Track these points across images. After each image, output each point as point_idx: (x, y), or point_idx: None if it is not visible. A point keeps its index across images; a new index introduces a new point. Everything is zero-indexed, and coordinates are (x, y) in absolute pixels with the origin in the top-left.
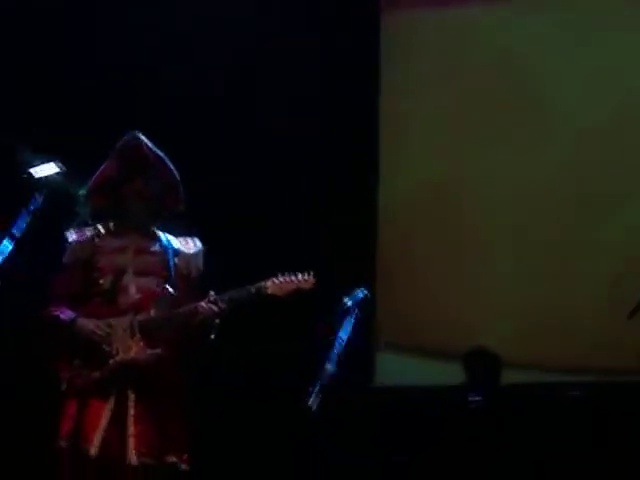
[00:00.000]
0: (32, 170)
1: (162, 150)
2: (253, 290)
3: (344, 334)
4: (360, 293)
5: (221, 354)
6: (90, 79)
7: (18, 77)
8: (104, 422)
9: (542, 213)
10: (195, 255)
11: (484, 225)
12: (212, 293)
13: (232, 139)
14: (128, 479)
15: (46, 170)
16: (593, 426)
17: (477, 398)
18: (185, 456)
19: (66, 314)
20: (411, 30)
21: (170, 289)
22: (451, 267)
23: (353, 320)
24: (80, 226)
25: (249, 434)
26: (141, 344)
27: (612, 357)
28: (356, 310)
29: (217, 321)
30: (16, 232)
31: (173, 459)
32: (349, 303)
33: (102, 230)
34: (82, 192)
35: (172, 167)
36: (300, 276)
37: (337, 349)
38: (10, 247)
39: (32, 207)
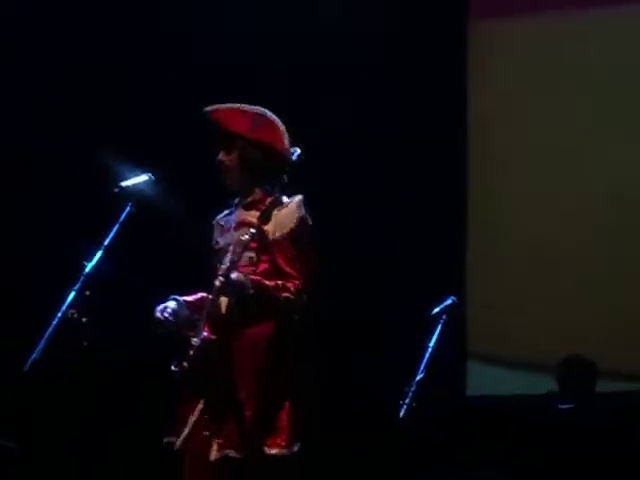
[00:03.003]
0: (123, 183)
1: None
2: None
3: (432, 342)
4: (448, 299)
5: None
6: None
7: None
8: (193, 418)
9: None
10: (285, 214)
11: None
12: (222, 266)
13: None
14: (210, 474)
15: (135, 180)
16: None
17: (569, 406)
18: (280, 441)
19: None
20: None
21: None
22: (542, 278)
23: (440, 327)
24: None
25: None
26: (204, 330)
27: None
28: (444, 317)
29: (251, 292)
30: (106, 243)
31: (258, 445)
32: (436, 310)
33: (226, 210)
34: None
35: (268, 118)
36: None
37: (426, 358)
38: (99, 256)
39: (122, 217)
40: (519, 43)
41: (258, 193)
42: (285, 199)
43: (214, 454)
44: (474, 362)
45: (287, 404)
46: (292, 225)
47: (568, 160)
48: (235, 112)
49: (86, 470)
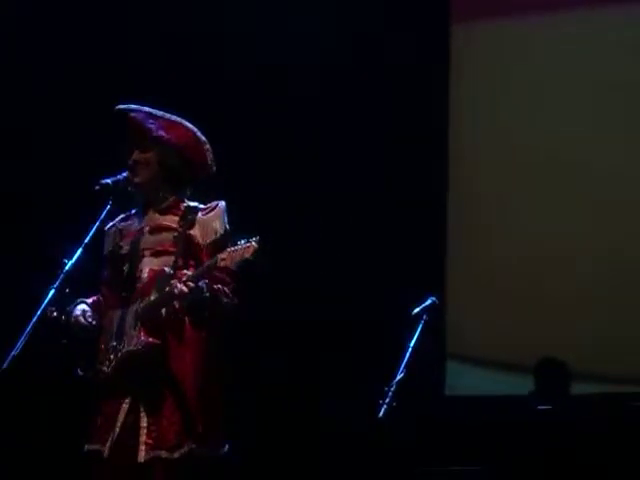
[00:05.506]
0: (103, 181)
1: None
2: (210, 264)
3: (412, 342)
4: (429, 300)
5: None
6: None
7: None
8: (118, 424)
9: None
10: (212, 219)
11: (560, 236)
12: (185, 272)
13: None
14: (141, 477)
15: (115, 177)
16: None
17: (547, 407)
18: (208, 442)
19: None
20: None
21: (167, 269)
22: (522, 279)
23: (421, 327)
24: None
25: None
26: (141, 334)
27: None
28: (424, 317)
29: (207, 295)
30: (87, 240)
31: (193, 445)
32: (417, 310)
33: (131, 212)
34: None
35: (188, 128)
36: (245, 244)
37: (406, 357)
38: (79, 253)
39: (102, 214)
40: (501, 46)
41: (173, 199)
42: (199, 205)
43: (143, 455)
44: (453, 363)
45: (219, 405)
46: (221, 231)
47: (550, 162)
48: (154, 117)
49: None
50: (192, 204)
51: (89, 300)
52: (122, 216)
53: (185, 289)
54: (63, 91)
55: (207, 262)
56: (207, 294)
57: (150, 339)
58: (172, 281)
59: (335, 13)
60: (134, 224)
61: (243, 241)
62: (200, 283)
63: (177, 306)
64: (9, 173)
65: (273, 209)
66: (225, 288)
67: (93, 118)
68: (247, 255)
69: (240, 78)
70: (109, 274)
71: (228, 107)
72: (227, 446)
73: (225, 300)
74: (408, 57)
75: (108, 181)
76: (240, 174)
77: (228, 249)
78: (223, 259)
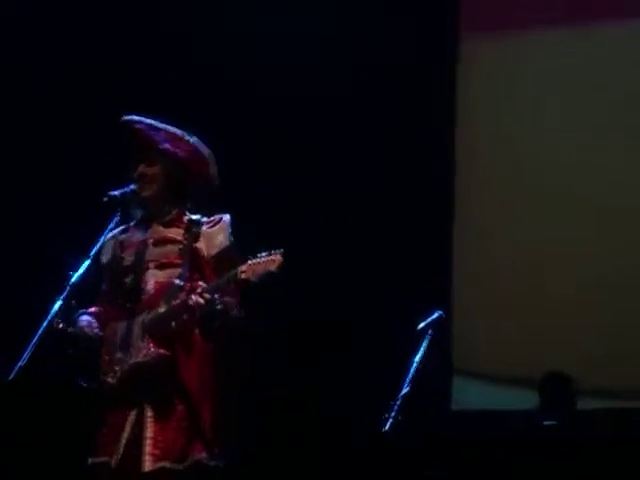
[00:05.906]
0: (111, 193)
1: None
2: (229, 276)
3: (418, 356)
4: (435, 314)
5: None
6: None
7: None
8: (125, 434)
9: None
10: (217, 232)
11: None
12: (200, 283)
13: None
14: None
15: (123, 189)
16: None
17: (553, 422)
18: (215, 451)
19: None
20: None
21: (176, 281)
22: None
23: (427, 341)
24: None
25: (322, 455)
26: (150, 345)
27: None
28: (430, 331)
29: (219, 307)
30: (94, 252)
31: (200, 455)
32: (423, 325)
33: (130, 225)
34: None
35: (190, 142)
36: (267, 256)
37: (412, 372)
38: (86, 265)
39: (110, 226)
40: (509, 59)
41: (176, 212)
42: (202, 218)
43: (148, 465)
44: (460, 377)
45: (226, 416)
46: (226, 243)
47: (554, 170)
48: (156, 129)
49: None
50: (194, 217)
51: (90, 311)
52: (121, 228)
53: (201, 300)
54: (63, 91)
55: (226, 274)
56: (220, 306)
57: (161, 350)
58: (184, 292)
59: (335, 13)
60: (135, 236)
61: (264, 253)
62: (215, 295)
63: (186, 317)
64: (9, 173)
65: (275, 210)
66: (233, 300)
67: (93, 118)
68: (271, 268)
69: (240, 78)
70: (108, 286)
71: (228, 107)
72: (234, 457)
73: (234, 312)
74: (409, 59)
75: (116, 193)
76: (240, 174)
77: (249, 261)
78: (243, 271)
